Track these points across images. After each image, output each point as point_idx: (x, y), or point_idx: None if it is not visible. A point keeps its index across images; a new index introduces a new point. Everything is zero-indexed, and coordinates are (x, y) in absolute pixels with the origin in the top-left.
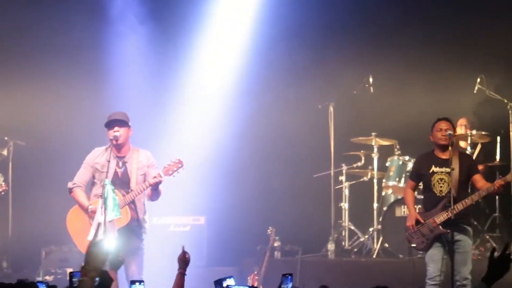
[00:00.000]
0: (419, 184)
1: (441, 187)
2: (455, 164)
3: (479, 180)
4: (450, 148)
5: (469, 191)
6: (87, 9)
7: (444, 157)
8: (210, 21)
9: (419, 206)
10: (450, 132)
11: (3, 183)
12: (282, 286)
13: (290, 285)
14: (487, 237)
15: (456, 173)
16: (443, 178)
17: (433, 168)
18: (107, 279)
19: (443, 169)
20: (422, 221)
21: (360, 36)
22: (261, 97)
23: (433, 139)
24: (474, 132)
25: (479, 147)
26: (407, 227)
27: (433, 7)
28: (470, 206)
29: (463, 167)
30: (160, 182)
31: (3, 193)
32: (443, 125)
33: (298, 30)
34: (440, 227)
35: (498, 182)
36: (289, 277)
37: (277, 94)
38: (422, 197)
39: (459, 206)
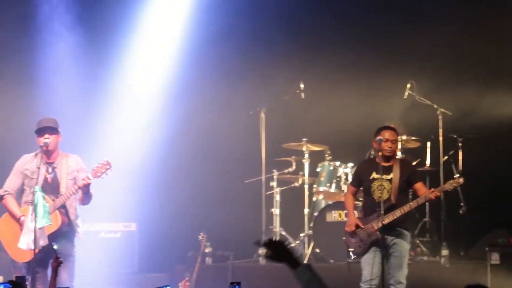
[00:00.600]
0: (360, 189)
1: (380, 193)
2: (396, 171)
3: (420, 188)
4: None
5: (409, 197)
6: (14, 12)
7: (385, 164)
8: (140, 26)
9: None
10: (380, 138)
11: None
12: None
13: None
14: (418, 241)
15: (396, 180)
16: (383, 185)
17: (374, 175)
18: None
19: (383, 176)
20: (362, 226)
21: (291, 42)
22: (192, 102)
23: (376, 146)
24: (404, 137)
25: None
26: (346, 232)
27: (365, 14)
28: (409, 212)
29: (404, 174)
30: (89, 184)
31: None
32: (388, 134)
33: (229, 35)
34: (377, 232)
35: (435, 192)
36: (237, 286)
37: (208, 99)
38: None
39: (397, 213)
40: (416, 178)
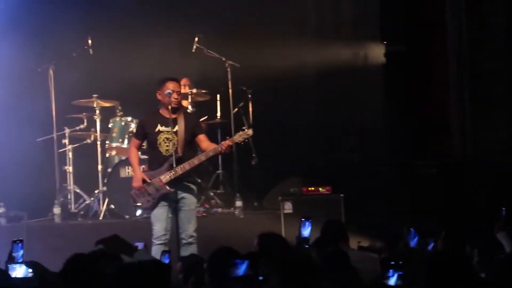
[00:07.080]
0: (144, 143)
1: (167, 146)
2: (180, 123)
3: (203, 140)
4: (169, 107)
5: (196, 150)
6: None
7: (170, 116)
8: None
9: (143, 166)
10: (169, 91)
11: None
12: (13, 253)
13: (20, 252)
14: (211, 194)
15: (181, 132)
16: (169, 137)
17: (159, 127)
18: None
19: (169, 128)
20: (148, 181)
21: None
22: None
23: (161, 98)
24: (194, 90)
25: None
26: (133, 187)
27: None
28: (197, 165)
29: (188, 126)
30: None
31: None
32: (172, 86)
33: None
34: (166, 186)
35: (226, 143)
36: (20, 244)
37: None
38: (146, 156)
39: (186, 166)
40: (199, 130)
